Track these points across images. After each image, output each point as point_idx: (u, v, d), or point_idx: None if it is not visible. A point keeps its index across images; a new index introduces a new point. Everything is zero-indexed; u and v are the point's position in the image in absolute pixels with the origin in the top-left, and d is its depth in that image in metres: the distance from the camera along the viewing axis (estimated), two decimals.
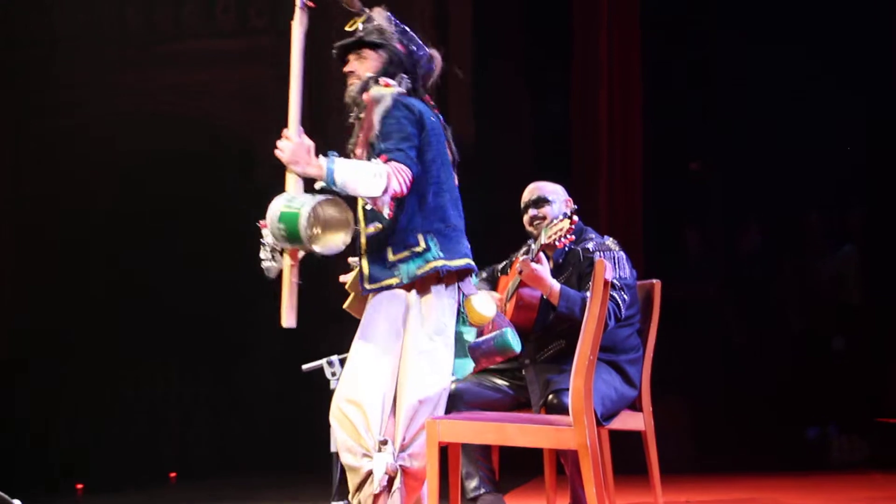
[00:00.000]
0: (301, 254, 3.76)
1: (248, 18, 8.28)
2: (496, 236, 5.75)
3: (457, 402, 4.64)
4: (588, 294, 4.50)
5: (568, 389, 4.35)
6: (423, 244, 3.75)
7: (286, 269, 3.74)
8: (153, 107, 8.45)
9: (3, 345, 8.35)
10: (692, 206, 7.62)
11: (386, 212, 3.71)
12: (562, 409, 4.39)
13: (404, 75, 3.87)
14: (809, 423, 7.35)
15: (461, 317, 3.87)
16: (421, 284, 3.78)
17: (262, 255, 3.79)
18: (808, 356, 7.51)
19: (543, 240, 4.56)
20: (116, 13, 8.41)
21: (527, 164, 7.34)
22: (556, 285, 4.56)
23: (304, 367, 4.65)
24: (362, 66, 3.90)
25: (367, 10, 3.95)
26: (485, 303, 3.86)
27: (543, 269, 4.56)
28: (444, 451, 3.81)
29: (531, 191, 4.85)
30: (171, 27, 8.40)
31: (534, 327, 4.69)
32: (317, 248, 3.68)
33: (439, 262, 3.75)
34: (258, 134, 8.02)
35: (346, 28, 3.95)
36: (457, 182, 3.92)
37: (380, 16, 3.94)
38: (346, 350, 4.05)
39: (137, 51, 8.39)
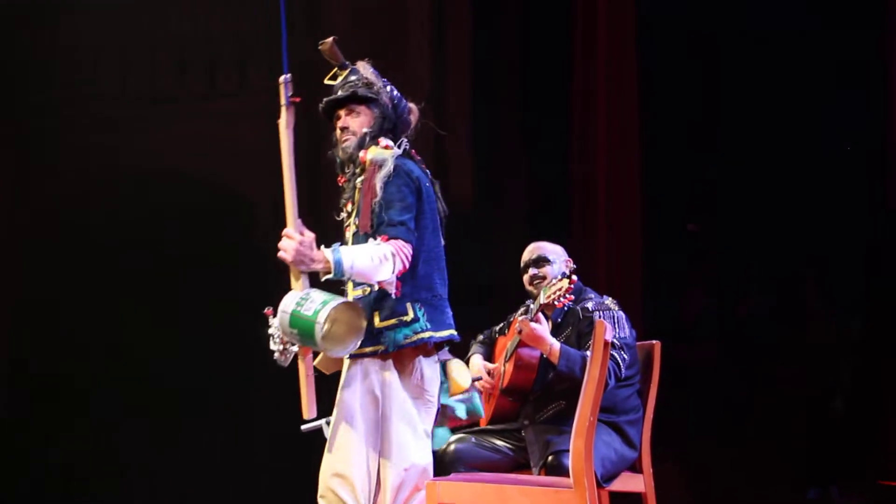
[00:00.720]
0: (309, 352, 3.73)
1: (248, 77, 8.34)
2: (494, 297, 5.77)
3: (456, 463, 4.64)
4: (588, 353, 4.52)
5: (568, 451, 4.35)
6: (412, 313, 3.73)
7: (300, 364, 3.71)
8: (155, 163, 8.47)
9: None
10: (691, 266, 7.63)
11: (392, 291, 3.71)
12: (562, 471, 4.38)
13: (404, 138, 3.87)
14: (810, 485, 7.31)
15: (442, 386, 3.87)
16: (404, 354, 3.76)
17: (273, 346, 3.75)
18: (808, 417, 7.48)
19: (542, 299, 4.59)
20: (118, 71, 8.46)
21: (522, 224, 7.37)
22: (556, 344, 4.57)
23: (303, 427, 4.62)
24: (355, 121, 3.87)
25: (349, 64, 3.92)
26: (462, 372, 3.89)
27: (543, 328, 4.57)
28: None
29: (531, 250, 4.87)
30: (173, 85, 8.44)
31: (533, 387, 4.69)
32: (329, 352, 3.66)
33: (426, 334, 3.73)
34: (257, 192, 8.05)
35: (327, 80, 3.92)
36: (443, 243, 3.90)
37: (365, 69, 3.92)
38: None
39: (139, 108, 8.44)
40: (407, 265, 3.66)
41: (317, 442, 3.96)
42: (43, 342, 8.16)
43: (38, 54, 8.41)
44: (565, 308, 4.70)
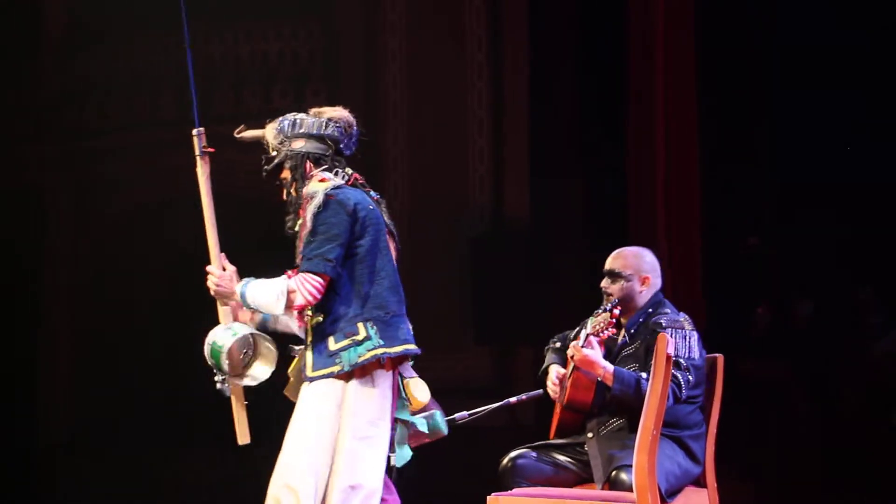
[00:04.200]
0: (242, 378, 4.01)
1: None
2: (558, 304, 5.77)
3: (517, 478, 4.62)
4: (644, 375, 4.51)
5: (631, 466, 4.34)
6: (363, 332, 3.90)
7: (233, 393, 4.01)
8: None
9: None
10: (750, 281, 7.58)
11: (294, 325, 4.00)
12: (625, 486, 4.36)
13: (338, 168, 4.05)
14: (875, 500, 7.23)
15: (402, 402, 3.98)
16: (361, 372, 3.91)
17: (216, 377, 4.03)
18: (868, 432, 7.40)
19: (589, 329, 4.63)
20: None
21: (583, 237, 7.35)
22: (609, 367, 4.56)
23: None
24: (289, 174, 4.09)
25: (252, 134, 4.14)
26: (420, 388, 3.99)
27: (594, 353, 4.57)
28: None
29: (611, 258, 4.81)
30: (229, 107, 8.52)
31: (592, 405, 4.68)
32: (238, 381, 3.98)
33: (379, 350, 3.89)
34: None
35: (236, 135, 4.15)
36: (396, 255, 4.07)
37: (270, 132, 4.11)
38: None
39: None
40: (312, 298, 3.88)
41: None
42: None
43: (96, 77, 8.51)
44: (640, 319, 4.69)
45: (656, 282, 4.78)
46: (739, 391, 6.58)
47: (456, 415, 4.73)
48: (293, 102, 8.40)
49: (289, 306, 3.90)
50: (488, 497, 4.47)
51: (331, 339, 3.91)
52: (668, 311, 4.72)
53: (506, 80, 7.83)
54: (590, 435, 4.66)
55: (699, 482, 4.70)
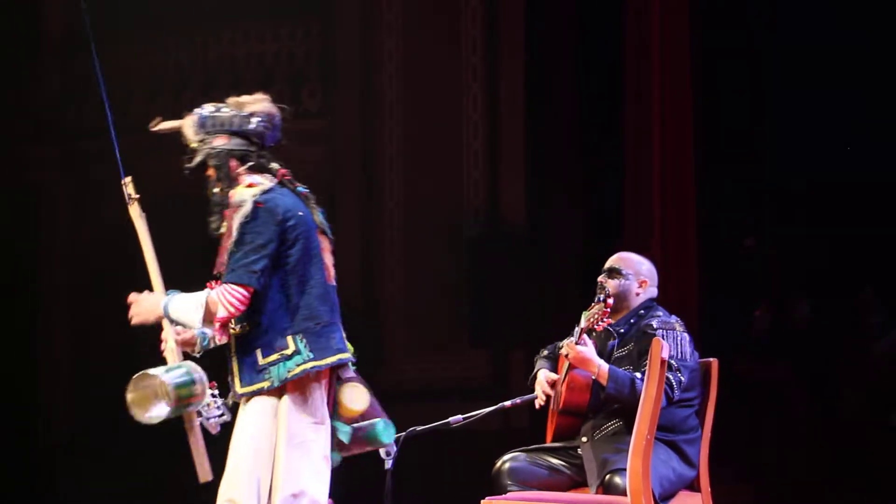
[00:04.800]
0: (195, 418, 3.91)
1: (301, 101, 8.42)
2: (554, 309, 5.77)
3: (511, 481, 4.63)
4: (638, 375, 4.51)
5: (625, 469, 4.35)
6: (292, 346, 3.82)
7: (189, 431, 3.95)
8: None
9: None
10: (747, 282, 7.56)
11: (217, 337, 3.92)
12: (619, 490, 4.36)
13: (268, 172, 3.91)
14: (875, 501, 7.22)
15: (335, 410, 3.92)
16: (293, 385, 3.84)
17: (194, 412, 3.98)
18: (871, 433, 7.39)
19: (583, 323, 4.61)
20: (173, 99, 8.54)
21: (578, 238, 7.35)
22: (604, 366, 4.56)
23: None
24: (213, 172, 3.98)
25: (169, 126, 4.06)
26: (354, 397, 3.91)
27: (588, 350, 4.57)
28: None
29: (612, 259, 4.84)
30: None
31: (588, 407, 4.67)
32: (136, 417, 3.91)
33: (309, 364, 3.81)
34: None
35: (151, 128, 4.10)
36: (331, 251, 3.97)
37: (188, 128, 3.98)
38: (401, 430, 4.22)
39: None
40: (235, 310, 3.78)
41: None
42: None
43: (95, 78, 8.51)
44: (631, 321, 4.70)
45: (652, 289, 4.80)
46: (738, 392, 6.57)
47: (450, 418, 4.73)
48: (290, 103, 8.39)
49: (210, 319, 3.81)
50: (482, 500, 4.46)
51: (259, 353, 3.85)
52: (660, 313, 4.73)
53: (502, 81, 7.83)
54: (584, 439, 4.66)
55: (694, 486, 4.70)
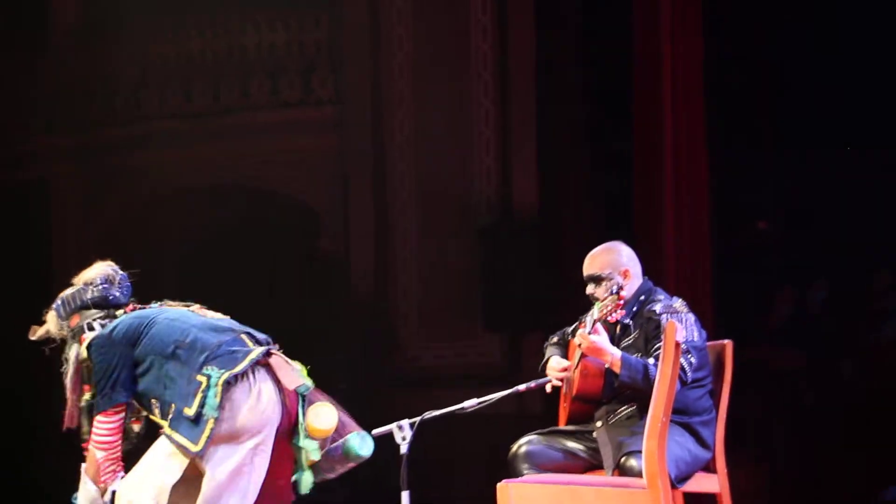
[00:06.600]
0: None
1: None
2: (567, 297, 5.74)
3: (528, 464, 4.63)
4: (651, 361, 4.50)
5: (641, 452, 4.35)
6: (204, 379, 3.95)
7: None
8: (218, 177, 8.55)
9: None
10: (761, 267, 7.57)
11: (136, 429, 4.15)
12: (635, 472, 4.36)
13: (97, 318, 4.13)
14: (888, 484, 7.22)
15: (299, 428, 4.00)
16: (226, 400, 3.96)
17: None
18: (886, 417, 7.39)
19: (596, 315, 4.60)
20: (184, 85, 8.56)
21: (591, 225, 7.35)
22: (616, 354, 4.55)
23: (374, 431, 4.68)
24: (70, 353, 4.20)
25: (43, 331, 4.25)
26: (322, 416, 4.00)
27: (601, 339, 4.55)
28: None
29: (585, 265, 4.80)
30: (236, 98, 8.54)
31: (602, 393, 4.67)
32: None
33: (226, 375, 3.93)
34: (322, 203, 8.11)
35: (31, 338, 4.28)
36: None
37: (52, 322, 4.23)
38: (416, 414, 4.23)
39: (203, 123, 8.52)
40: (116, 425, 4.02)
41: None
42: None
43: (105, 69, 8.53)
44: (634, 310, 4.68)
45: (637, 271, 4.76)
46: (753, 376, 6.57)
47: (465, 402, 4.73)
48: (300, 93, 8.42)
49: (95, 474, 4.06)
50: (498, 484, 4.47)
51: (185, 410, 3.95)
52: (662, 297, 4.72)
53: (512, 70, 7.84)
54: (598, 423, 4.67)
55: (709, 468, 4.70)
